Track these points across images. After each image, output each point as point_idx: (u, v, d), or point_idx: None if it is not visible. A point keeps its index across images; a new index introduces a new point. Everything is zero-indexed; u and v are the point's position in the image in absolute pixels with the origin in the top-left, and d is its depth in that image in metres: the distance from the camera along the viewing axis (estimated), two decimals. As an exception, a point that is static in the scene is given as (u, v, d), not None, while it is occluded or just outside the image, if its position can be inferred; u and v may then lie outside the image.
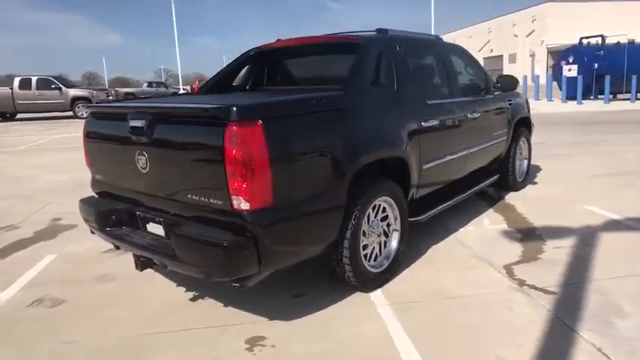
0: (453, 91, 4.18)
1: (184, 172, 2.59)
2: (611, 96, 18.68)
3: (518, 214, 4.81)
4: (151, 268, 3.06)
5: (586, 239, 3.99)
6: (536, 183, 6.13)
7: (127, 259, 4.01)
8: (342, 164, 2.79)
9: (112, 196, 3.20)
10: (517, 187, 5.67)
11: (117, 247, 3.15)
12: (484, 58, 59.71)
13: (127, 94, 31.83)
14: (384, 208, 3.27)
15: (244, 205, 2.35)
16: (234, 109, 2.31)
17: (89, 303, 3.26)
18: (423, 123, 3.56)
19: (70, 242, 4.51)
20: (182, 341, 2.71)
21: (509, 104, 5.25)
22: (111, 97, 21.30)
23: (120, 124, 2.92)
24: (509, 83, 4.94)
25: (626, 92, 18.65)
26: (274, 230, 2.45)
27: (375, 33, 3.67)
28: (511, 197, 5.46)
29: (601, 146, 8.95)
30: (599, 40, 19.38)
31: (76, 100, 20.43)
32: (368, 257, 3.16)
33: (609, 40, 19.25)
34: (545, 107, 17.62)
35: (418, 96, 3.66)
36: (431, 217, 3.80)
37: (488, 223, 4.57)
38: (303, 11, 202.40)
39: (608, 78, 17.45)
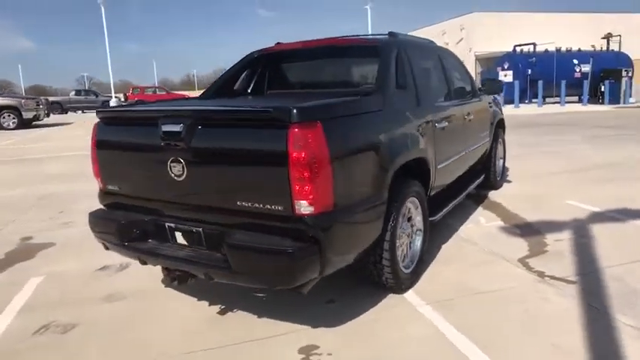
0: (452, 93, 4.34)
1: (233, 178, 2.48)
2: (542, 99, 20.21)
3: (508, 211, 5.07)
4: (185, 282, 2.88)
5: (580, 231, 4.29)
6: (510, 181, 6.49)
7: (129, 276, 3.76)
8: (385, 165, 2.81)
9: (130, 208, 2.98)
10: (497, 185, 5.97)
11: (144, 263, 2.93)
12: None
13: (53, 102, 29.80)
14: (409, 209, 3.32)
15: (308, 210, 2.29)
16: (295, 110, 2.25)
17: (107, 325, 3.01)
18: (436, 124, 3.67)
19: (52, 262, 4.13)
20: (231, 357, 2.58)
21: (490, 106, 5.53)
22: (41, 107, 19.79)
23: (146, 130, 2.74)
24: (493, 87, 5.21)
25: (555, 96, 20.25)
26: (335, 234, 2.41)
27: (387, 36, 3.73)
28: (493, 195, 5.74)
29: (549, 147, 9.66)
30: (531, 47, 20.95)
31: (1, 109, 18.77)
32: (401, 258, 3.19)
33: (539, 48, 20.85)
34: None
35: (430, 98, 3.77)
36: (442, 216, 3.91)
37: (485, 221, 4.77)
38: (231, 18, 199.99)
39: (540, 83, 18.88)
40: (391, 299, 3.14)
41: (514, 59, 20.39)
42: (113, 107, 3.66)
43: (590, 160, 7.83)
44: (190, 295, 3.35)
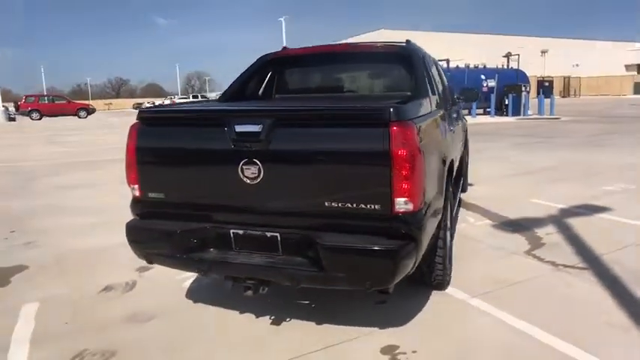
0: (447, 100, 4.64)
1: (323, 179, 2.44)
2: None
3: (489, 211, 5.48)
4: (258, 291, 2.70)
5: (561, 225, 4.79)
6: (472, 184, 7.01)
7: (143, 294, 3.48)
8: (444, 164, 2.95)
9: (178, 216, 2.78)
10: (466, 188, 6.42)
11: (204, 274, 2.74)
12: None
13: None
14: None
15: (405, 207, 2.34)
16: (393, 109, 2.30)
17: (154, 348, 2.76)
18: (450, 127, 3.90)
19: (38, 287, 3.67)
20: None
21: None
22: None
23: (207, 131, 2.61)
24: (471, 96, 5.62)
25: (465, 109, 22.03)
26: (425, 231, 2.48)
27: (406, 44, 3.89)
28: (464, 197, 6.16)
29: (487, 153, 10.55)
30: (445, 63, 22.73)
31: None
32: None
33: (451, 65, 22.71)
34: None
35: (445, 103, 4.00)
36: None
37: (474, 220, 5.12)
38: (128, 25, 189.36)
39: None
40: (437, 296, 3.26)
41: (429, 74, 21.99)
42: (159, 108, 3.37)
43: (531, 164, 8.71)
44: (227, 308, 3.18)
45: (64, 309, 3.28)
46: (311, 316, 3.03)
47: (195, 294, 3.45)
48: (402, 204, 2.33)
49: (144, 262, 3.93)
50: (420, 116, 2.67)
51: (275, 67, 4.15)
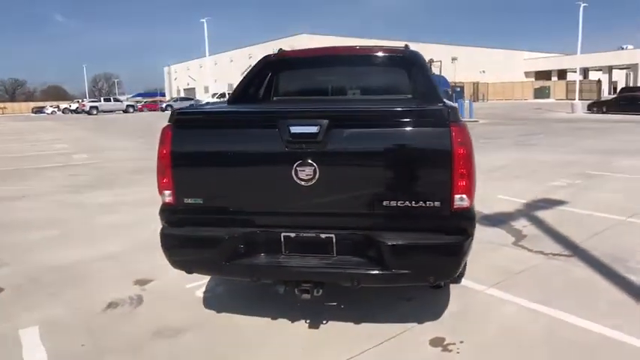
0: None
1: (381, 179, 2.50)
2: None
3: (461, 208, 5.84)
4: (314, 293, 2.67)
5: (532, 218, 5.25)
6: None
7: (157, 307, 3.33)
8: None
9: (218, 222, 2.69)
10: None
11: (256, 280, 2.67)
12: (248, 82, 63.76)
13: None
14: None
15: (463, 203, 2.47)
16: (451, 111, 2.44)
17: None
18: None
19: (26, 308, 3.34)
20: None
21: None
22: None
23: (256, 132, 2.57)
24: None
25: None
26: (475, 225, 2.63)
27: (404, 47, 4.06)
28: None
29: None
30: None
31: None
32: None
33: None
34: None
35: None
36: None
37: (453, 217, 5.43)
38: (24, 21, 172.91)
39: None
40: (456, 289, 3.44)
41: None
42: (198, 109, 3.17)
43: (487, 163, 9.22)
44: (254, 315, 3.13)
45: (72, 330, 3.02)
46: (345, 316, 3.07)
47: (215, 303, 3.34)
48: (459, 201, 2.46)
49: (140, 275, 3.78)
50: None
51: (275, 69, 4.11)
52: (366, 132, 2.52)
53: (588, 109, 27.26)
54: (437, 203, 2.47)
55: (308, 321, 3.04)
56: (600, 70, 56.69)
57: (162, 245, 2.73)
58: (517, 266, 3.85)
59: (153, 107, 51.96)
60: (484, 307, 3.19)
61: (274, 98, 4.12)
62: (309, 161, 2.47)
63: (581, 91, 34.37)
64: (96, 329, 3.02)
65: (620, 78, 58.54)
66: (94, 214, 5.96)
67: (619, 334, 2.77)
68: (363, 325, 2.99)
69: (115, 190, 7.47)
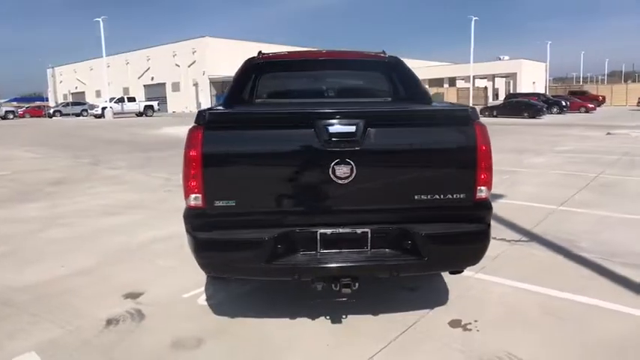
0: None
1: (413, 175, 2.70)
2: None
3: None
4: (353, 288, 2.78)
5: (482, 210, 5.81)
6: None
7: (161, 318, 3.21)
8: None
9: (250, 223, 2.69)
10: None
11: (296, 279, 2.69)
12: (145, 86, 60.88)
13: None
14: None
15: (483, 195, 2.76)
16: (472, 111, 2.73)
17: (241, 365, 2.62)
18: None
19: (11, 334, 3.02)
20: (412, 344, 2.77)
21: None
22: None
23: (292, 132, 2.64)
24: None
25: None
26: None
27: (382, 52, 4.30)
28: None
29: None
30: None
31: None
32: None
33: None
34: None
35: None
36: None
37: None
38: None
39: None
40: (448, 277, 3.74)
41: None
42: (228, 110, 3.02)
43: None
44: (270, 317, 3.17)
45: (80, 351, 2.81)
46: (361, 310, 3.20)
47: (224, 309, 3.29)
48: (480, 192, 2.75)
49: (126, 289, 3.59)
50: None
51: (258, 71, 4.13)
52: (397, 131, 2.71)
53: (481, 113, 30.07)
54: (462, 195, 2.72)
55: (328, 317, 3.14)
56: (485, 78, 62.80)
57: (195, 250, 2.67)
58: (490, 253, 4.24)
59: (37, 113, 47.21)
60: (480, 290, 3.53)
61: (257, 101, 4.15)
62: (347, 160, 2.59)
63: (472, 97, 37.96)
64: (107, 347, 2.84)
65: (500, 85, 65.45)
66: (40, 228, 5.42)
67: (598, 301, 3.27)
68: (381, 316, 3.16)
69: (42, 203, 6.80)
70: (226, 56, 50.97)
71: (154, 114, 40.15)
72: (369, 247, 2.74)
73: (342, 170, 2.60)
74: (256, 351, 2.80)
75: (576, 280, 3.66)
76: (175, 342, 2.89)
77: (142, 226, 5.42)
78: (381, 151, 2.66)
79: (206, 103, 47.77)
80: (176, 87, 60.80)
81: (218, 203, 2.66)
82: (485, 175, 2.72)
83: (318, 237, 2.70)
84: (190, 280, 3.66)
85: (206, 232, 2.68)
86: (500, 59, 64.46)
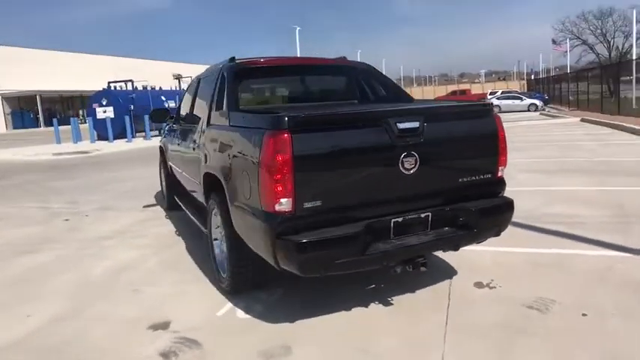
0: None
1: (457, 161, 3.21)
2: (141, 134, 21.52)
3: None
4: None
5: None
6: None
7: (221, 347, 3.18)
8: None
9: (333, 221, 2.85)
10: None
11: (385, 265, 2.92)
12: None
13: None
14: None
15: (502, 173, 3.40)
16: (491, 105, 3.37)
17: None
18: None
19: None
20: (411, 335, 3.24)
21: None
22: None
23: (368, 131, 2.91)
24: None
25: (156, 129, 21.78)
26: None
27: (344, 59, 4.67)
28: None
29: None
30: (130, 84, 22.13)
31: None
32: None
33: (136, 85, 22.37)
34: (91, 146, 18.50)
35: None
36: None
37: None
38: None
39: (146, 118, 20.04)
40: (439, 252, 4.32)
41: (113, 95, 20.94)
42: (309, 113, 2.85)
43: None
44: (325, 314, 3.32)
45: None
46: (396, 292, 3.54)
47: (274, 317, 3.30)
48: (500, 170, 3.38)
49: (148, 321, 3.32)
50: None
51: (238, 78, 4.13)
52: (446, 124, 3.19)
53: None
54: (489, 175, 3.33)
55: (378, 303, 3.41)
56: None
57: (300, 254, 2.72)
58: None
59: None
60: (476, 258, 4.13)
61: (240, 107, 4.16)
62: (412, 152, 2.96)
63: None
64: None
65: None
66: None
67: (568, 251, 4.23)
68: (418, 292, 3.56)
69: None
70: (25, 68, 44.15)
71: None
72: (429, 228, 3.14)
73: (409, 162, 2.96)
74: (349, 343, 2.92)
75: (548, 242, 4.59)
76: (260, 353, 2.83)
77: (81, 260, 4.75)
78: (436, 142, 3.09)
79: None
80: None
81: (307, 205, 2.76)
82: (503, 156, 3.36)
83: (392, 225, 3.00)
84: (205, 299, 3.64)
85: (300, 235, 2.75)
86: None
